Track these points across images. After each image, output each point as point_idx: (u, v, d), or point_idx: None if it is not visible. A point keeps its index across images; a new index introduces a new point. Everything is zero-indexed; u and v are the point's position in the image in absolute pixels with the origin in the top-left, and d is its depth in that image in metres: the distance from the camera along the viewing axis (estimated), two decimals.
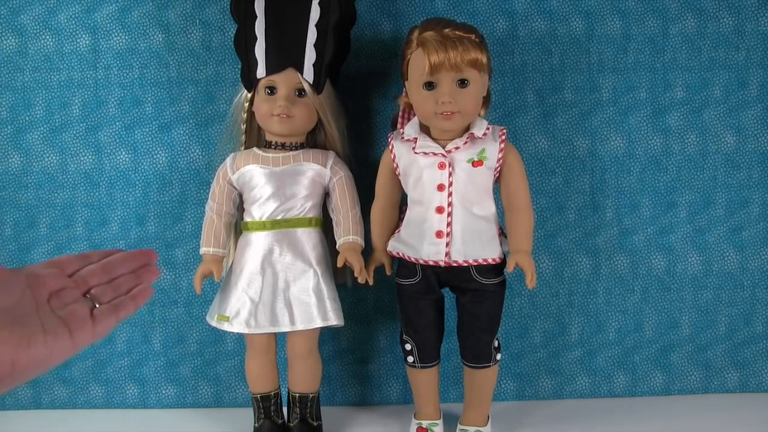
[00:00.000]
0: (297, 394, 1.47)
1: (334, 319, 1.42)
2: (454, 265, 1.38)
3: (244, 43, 1.43)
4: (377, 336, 1.65)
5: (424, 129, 1.40)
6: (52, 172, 1.61)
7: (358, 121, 1.59)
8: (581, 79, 1.60)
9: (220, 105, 1.59)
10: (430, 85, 1.34)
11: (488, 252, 1.38)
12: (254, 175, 1.43)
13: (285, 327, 1.41)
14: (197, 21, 1.59)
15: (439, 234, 1.37)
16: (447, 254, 1.37)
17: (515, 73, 1.60)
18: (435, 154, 1.37)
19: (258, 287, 1.42)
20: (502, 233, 1.41)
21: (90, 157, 1.61)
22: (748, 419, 1.54)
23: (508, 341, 1.63)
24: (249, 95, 1.46)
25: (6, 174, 1.61)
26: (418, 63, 1.33)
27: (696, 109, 1.62)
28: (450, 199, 1.37)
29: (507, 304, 1.48)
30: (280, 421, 1.48)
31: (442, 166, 1.36)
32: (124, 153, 1.61)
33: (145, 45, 1.59)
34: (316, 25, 1.41)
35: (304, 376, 1.46)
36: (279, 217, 1.42)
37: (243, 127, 1.49)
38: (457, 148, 1.36)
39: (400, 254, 1.42)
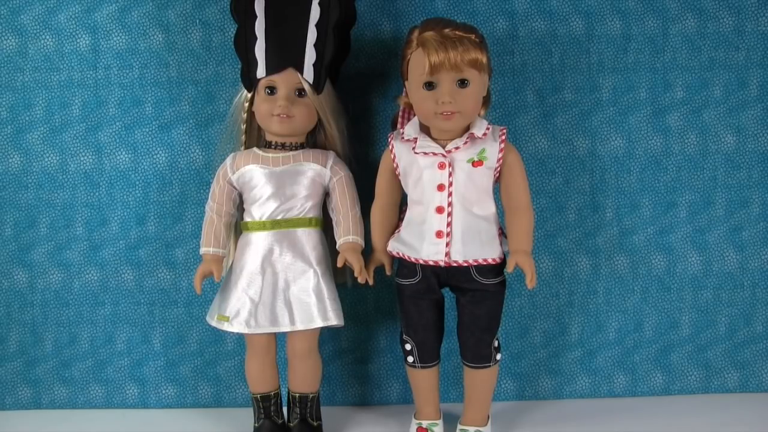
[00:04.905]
0: (297, 394, 1.47)
1: (334, 319, 1.41)
2: (454, 265, 1.38)
3: (244, 43, 1.43)
4: (377, 336, 1.64)
5: (424, 129, 1.40)
6: (52, 172, 1.61)
7: (358, 121, 1.59)
8: (581, 79, 1.60)
9: (220, 105, 1.59)
10: (430, 85, 1.34)
11: (488, 252, 1.38)
12: (254, 175, 1.43)
13: (285, 327, 1.41)
14: (197, 21, 1.58)
15: (439, 234, 1.37)
16: (447, 254, 1.37)
17: (515, 73, 1.60)
18: (435, 154, 1.37)
19: (258, 287, 1.42)
20: (502, 233, 1.41)
21: (90, 157, 1.61)
22: (748, 419, 1.54)
23: (508, 341, 1.63)
24: (249, 95, 1.46)
25: (6, 174, 1.61)
26: (418, 63, 1.33)
27: (696, 109, 1.61)
28: (450, 199, 1.37)
29: (507, 304, 1.48)
30: (280, 421, 1.48)
31: (442, 166, 1.36)
32: (124, 153, 1.61)
33: (145, 45, 1.59)
34: (316, 25, 1.41)
35: (304, 376, 1.46)
36: (279, 217, 1.42)
37: (243, 127, 1.49)
38: (457, 148, 1.36)
39: (400, 254, 1.42)
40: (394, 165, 1.42)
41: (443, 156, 1.36)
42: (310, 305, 1.41)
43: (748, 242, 1.64)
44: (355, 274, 1.40)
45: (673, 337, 1.65)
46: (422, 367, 1.45)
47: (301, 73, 1.41)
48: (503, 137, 1.37)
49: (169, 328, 1.63)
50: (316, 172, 1.44)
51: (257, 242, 1.43)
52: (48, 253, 1.62)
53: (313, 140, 1.50)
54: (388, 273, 1.46)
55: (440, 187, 1.37)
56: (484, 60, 1.34)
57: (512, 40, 1.59)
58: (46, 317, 1.63)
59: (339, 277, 1.51)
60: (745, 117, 1.62)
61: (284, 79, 1.41)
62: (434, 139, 1.38)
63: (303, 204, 1.43)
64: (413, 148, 1.38)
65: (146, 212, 1.61)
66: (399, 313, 1.47)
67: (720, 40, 1.60)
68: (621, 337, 1.65)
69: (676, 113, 1.61)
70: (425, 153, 1.37)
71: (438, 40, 1.31)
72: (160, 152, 1.61)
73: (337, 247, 1.44)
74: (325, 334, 1.58)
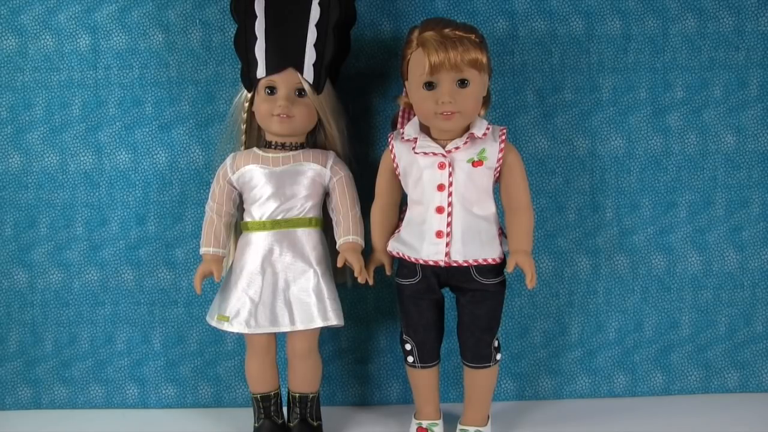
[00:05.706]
0: (297, 394, 1.47)
1: (334, 319, 1.41)
2: (454, 265, 1.38)
3: (244, 43, 1.43)
4: (377, 336, 1.65)
5: (424, 129, 1.40)
6: (52, 172, 1.61)
7: (358, 121, 1.59)
8: (581, 79, 1.60)
9: (220, 105, 1.59)
10: (430, 85, 1.34)
11: (488, 252, 1.38)
12: (254, 175, 1.43)
13: (285, 327, 1.41)
14: (197, 21, 1.58)
15: (439, 234, 1.37)
16: (447, 254, 1.37)
17: (515, 73, 1.60)
18: (435, 154, 1.37)
19: (258, 287, 1.42)
20: (502, 233, 1.41)
21: (90, 157, 1.61)
22: (748, 419, 1.54)
23: (508, 341, 1.63)
24: (249, 95, 1.46)
25: (6, 174, 1.61)
26: (418, 63, 1.33)
27: (696, 109, 1.61)
28: (450, 199, 1.37)
29: (507, 304, 1.48)
30: (280, 421, 1.48)
31: (442, 166, 1.36)
32: (124, 153, 1.61)
33: (145, 45, 1.59)
34: (316, 25, 1.41)
35: (304, 376, 1.46)
36: (279, 217, 1.42)
37: (243, 127, 1.49)
38: (457, 148, 1.36)
39: (400, 254, 1.42)
40: (394, 165, 1.42)
41: (443, 156, 1.36)
42: (310, 305, 1.41)
43: (748, 242, 1.64)
44: (355, 274, 1.41)
45: (673, 337, 1.65)
46: (422, 367, 1.45)
47: (301, 73, 1.41)
48: (503, 137, 1.37)
49: (169, 328, 1.63)
50: (316, 172, 1.44)
51: (257, 242, 1.43)
52: (48, 253, 1.62)
53: (313, 140, 1.50)
54: (388, 273, 1.46)
55: (440, 187, 1.37)
56: (484, 60, 1.34)
57: (512, 40, 1.59)
58: (46, 317, 1.63)
59: (339, 277, 1.51)
60: (745, 117, 1.62)
61: (284, 79, 1.41)
62: (434, 139, 1.38)
63: (303, 204, 1.43)
64: (413, 148, 1.38)
65: (146, 212, 1.61)
66: (399, 313, 1.47)
67: (720, 40, 1.60)
68: (621, 337, 1.65)
69: (676, 113, 1.61)
70: (425, 153, 1.37)
71: (438, 40, 1.31)
72: (160, 152, 1.61)
73: (337, 247, 1.44)
74: (325, 334, 1.58)
